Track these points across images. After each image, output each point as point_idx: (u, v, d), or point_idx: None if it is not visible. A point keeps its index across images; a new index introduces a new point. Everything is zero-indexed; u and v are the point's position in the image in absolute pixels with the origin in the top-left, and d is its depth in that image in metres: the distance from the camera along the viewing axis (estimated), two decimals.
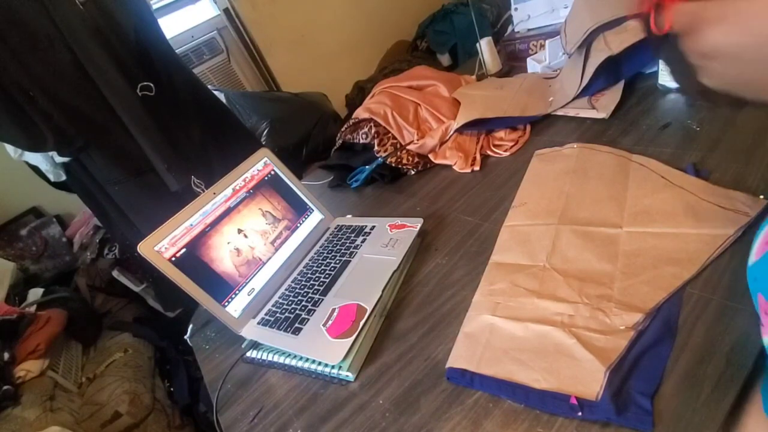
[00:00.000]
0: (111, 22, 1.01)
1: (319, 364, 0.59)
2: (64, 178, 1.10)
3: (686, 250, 0.51)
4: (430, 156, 0.96)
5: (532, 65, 1.13)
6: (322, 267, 0.74)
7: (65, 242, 1.76)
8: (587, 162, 0.73)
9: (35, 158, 1.04)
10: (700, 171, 0.60)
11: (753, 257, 0.40)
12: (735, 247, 0.49)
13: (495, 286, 0.59)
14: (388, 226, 0.77)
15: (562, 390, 0.44)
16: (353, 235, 0.79)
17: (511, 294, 0.57)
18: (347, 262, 0.73)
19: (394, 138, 0.98)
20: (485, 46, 1.19)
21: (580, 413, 0.41)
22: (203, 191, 0.74)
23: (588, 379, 0.43)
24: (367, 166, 0.98)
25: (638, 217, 0.58)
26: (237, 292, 0.70)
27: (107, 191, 1.12)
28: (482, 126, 0.93)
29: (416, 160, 0.97)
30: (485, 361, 0.50)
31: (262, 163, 0.81)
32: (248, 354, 0.67)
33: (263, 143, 1.73)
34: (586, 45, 0.88)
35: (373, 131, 0.98)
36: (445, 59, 2.40)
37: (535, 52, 1.18)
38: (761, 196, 0.52)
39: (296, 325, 0.64)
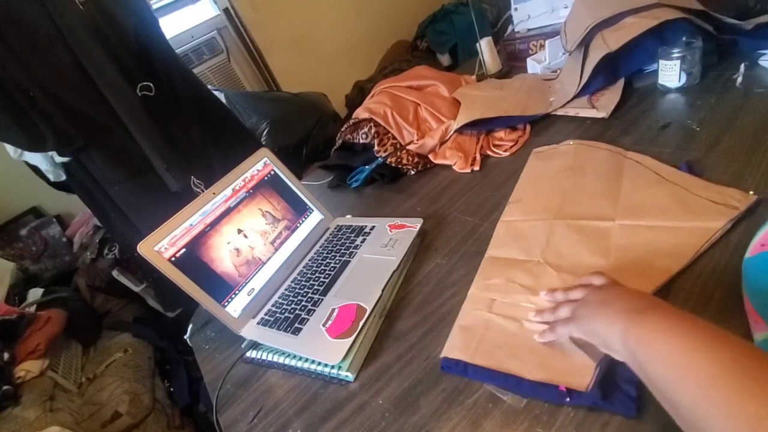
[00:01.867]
0: (111, 22, 1.01)
1: (319, 364, 0.59)
2: (64, 178, 1.10)
3: (678, 243, 0.51)
4: (430, 156, 0.96)
5: (532, 65, 1.13)
6: (322, 267, 0.74)
7: (65, 242, 1.76)
8: (584, 159, 0.74)
9: (35, 158, 1.04)
10: (693, 168, 0.61)
11: (749, 252, 0.41)
12: (734, 246, 0.49)
13: (490, 281, 0.60)
14: (388, 226, 0.77)
15: (554, 381, 0.45)
16: (353, 235, 0.79)
17: (506, 291, 0.58)
18: (347, 262, 0.73)
19: (394, 138, 0.98)
20: (485, 46, 1.19)
21: (568, 399, 0.42)
22: (203, 191, 0.74)
23: (579, 373, 0.44)
24: (367, 166, 0.98)
25: (631, 211, 0.59)
26: (237, 292, 0.70)
27: (107, 191, 1.12)
28: (482, 126, 0.93)
29: (416, 160, 0.97)
30: (480, 353, 0.51)
31: (262, 163, 0.80)
32: (248, 354, 0.67)
33: (263, 143, 1.73)
34: (585, 44, 0.89)
35: (373, 131, 0.98)
36: (445, 59, 2.40)
37: (535, 52, 1.18)
38: (751, 192, 0.53)
39: (296, 325, 0.64)
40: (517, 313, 0.54)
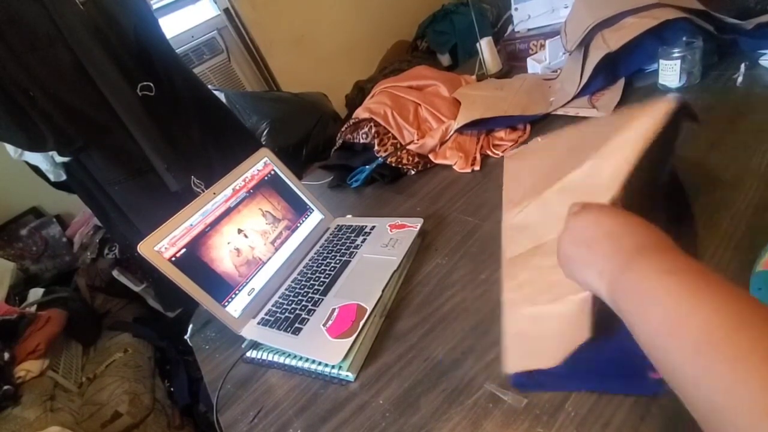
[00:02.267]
0: (111, 22, 1.01)
1: (319, 364, 0.59)
2: (64, 178, 1.10)
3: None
4: (430, 156, 0.96)
5: (532, 65, 1.13)
6: (322, 267, 0.74)
7: (65, 242, 1.76)
8: (553, 145, 0.74)
9: (35, 158, 1.04)
10: None
11: (760, 266, 0.39)
12: (736, 244, 0.49)
13: (520, 279, 0.57)
14: (388, 226, 0.77)
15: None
16: (353, 235, 0.79)
17: (538, 277, 0.54)
18: (347, 262, 0.73)
19: (394, 138, 0.98)
20: (485, 46, 1.19)
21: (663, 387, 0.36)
22: (203, 191, 0.74)
23: None
24: (367, 166, 0.98)
25: (601, 149, 0.56)
26: (237, 292, 0.70)
27: (107, 191, 1.12)
28: (482, 126, 0.93)
29: (416, 160, 0.97)
30: (544, 351, 0.47)
31: (262, 163, 0.80)
32: (248, 354, 0.67)
33: (263, 143, 1.73)
34: (585, 44, 0.89)
35: (373, 131, 0.98)
36: (445, 59, 2.40)
37: (536, 52, 1.18)
38: None
39: (296, 325, 0.64)
40: (558, 293, 0.49)
